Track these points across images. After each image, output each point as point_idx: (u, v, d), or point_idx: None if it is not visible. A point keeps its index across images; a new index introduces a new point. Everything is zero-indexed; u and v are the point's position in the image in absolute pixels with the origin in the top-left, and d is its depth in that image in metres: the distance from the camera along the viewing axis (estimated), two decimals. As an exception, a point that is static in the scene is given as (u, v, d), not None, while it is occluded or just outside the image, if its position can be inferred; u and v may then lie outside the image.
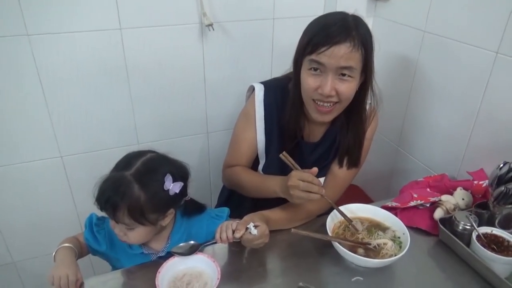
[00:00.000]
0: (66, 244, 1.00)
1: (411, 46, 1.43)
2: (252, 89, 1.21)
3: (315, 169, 0.99)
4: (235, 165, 1.25)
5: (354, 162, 1.18)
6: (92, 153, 1.50)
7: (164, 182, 0.93)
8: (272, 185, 1.09)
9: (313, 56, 0.99)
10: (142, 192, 0.91)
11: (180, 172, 0.99)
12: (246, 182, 1.19)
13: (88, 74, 1.35)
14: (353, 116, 1.13)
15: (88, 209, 1.56)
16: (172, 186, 0.94)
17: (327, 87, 1.00)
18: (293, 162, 1.03)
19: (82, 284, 0.94)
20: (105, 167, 0.98)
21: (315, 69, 1.01)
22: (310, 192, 0.97)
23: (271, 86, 1.19)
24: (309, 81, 1.02)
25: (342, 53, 0.96)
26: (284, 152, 1.03)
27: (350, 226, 1.05)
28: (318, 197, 0.98)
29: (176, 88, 1.50)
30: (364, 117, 1.14)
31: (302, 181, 0.97)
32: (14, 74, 1.26)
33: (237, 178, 1.21)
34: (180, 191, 0.96)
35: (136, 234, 0.95)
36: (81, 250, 1.04)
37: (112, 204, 0.90)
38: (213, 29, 1.40)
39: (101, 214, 1.00)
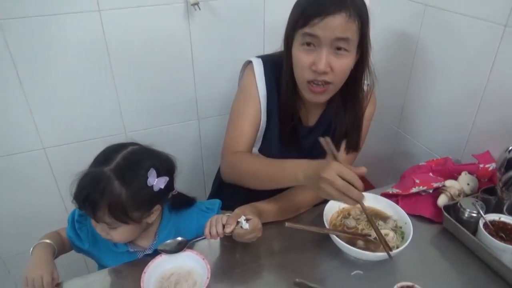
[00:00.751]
0: (45, 241, 0.94)
1: (412, 21, 1.34)
2: (247, 65, 1.12)
3: (363, 169, 0.83)
4: (238, 148, 1.09)
5: (354, 146, 1.11)
6: (76, 144, 1.43)
7: (147, 178, 0.86)
8: (294, 169, 0.91)
9: (306, 29, 0.90)
10: (123, 189, 0.84)
11: (165, 166, 0.92)
12: (256, 167, 1.01)
13: (66, 60, 1.27)
14: (350, 97, 1.05)
15: (76, 202, 1.50)
16: (157, 182, 0.87)
17: (322, 63, 0.91)
18: (334, 150, 0.88)
19: (59, 284, 0.88)
20: (91, 158, 0.91)
21: (308, 44, 0.92)
22: (346, 195, 0.81)
23: (269, 61, 1.09)
24: (302, 57, 0.94)
25: (338, 24, 0.88)
26: (327, 138, 0.90)
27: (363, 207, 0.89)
28: (352, 204, 0.83)
29: (163, 72, 1.42)
30: (362, 98, 1.07)
31: (342, 179, 0.81)
32: (-15, 62, 1.18)
33: (244, 164, 1.04)
34: (166, 186, 0.89)
35: (119, 233, 0.89)
36: (63, 245, 0.99)
37: (91, 203, 0.83)
38: (200, 9, 1.31)
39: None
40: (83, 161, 0.90)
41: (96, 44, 1.28)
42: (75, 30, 1.23)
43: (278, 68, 1.07)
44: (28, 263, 0.89)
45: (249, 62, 1.11)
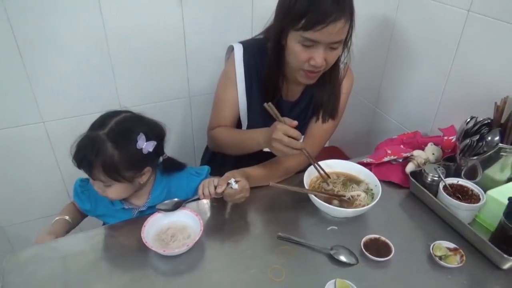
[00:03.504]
0: (62, 217, 1.09)
1: (389, 6, 1.44)
2: (231, 50, 1.22)
3: (295, 122, 1.01)
4: (218, 127, 1.26)
5: (331, 113, 1.21)
6: (74, 118, 1.51)
7: (137, 141, 0.96)
8: (256, 136, 1.10)
9: (308, 34, 0.98)
10: (115, 151, 0.94)
11: (155, 132, 1.01)
12: (230, 138, 1.20)
13: (66, 39, 1.34)
14: (328, 72, 1.15)
15: (73, 173, 1.58)
16: (145, 145, 0.97)
17: (320, 59, 1.02)
18: (277, 112, 1.03)
19: None
20: None
21: (307, 44, 1.01)
22: (292, 148, 0.99)
23: (250, 46, 1.19)
24: (300, 53, 1.03)
25: (337, 30, 0.97)
26: (269, 103, 1.04)
27: (326, 181, 1.11)
28: (298, 153, 1.01)
29: (157, 52, 1.50)
30: (338, 70, 1.17)
31: (287, 136, 0.98)
32: (-11, 38, 1.25)
33: (221, 137, 1.23)
34: (155, 150, 0.99)
35: (114, 190, 0.99)
36: (79, 213, 1.14)
37: (88, 162, 0.94)
38: (192, -9, 1.39)
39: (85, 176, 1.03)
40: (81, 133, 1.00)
41: (94, 25, 1.36)
42: (74, 9, 1.30)
43: (260, 50, 1.17)
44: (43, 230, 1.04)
45: (231, 48, 1.21)
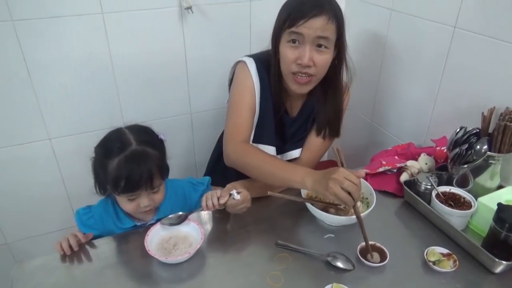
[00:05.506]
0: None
1: (380, 24, 1.51)
2: (240, 63, 1.23)
3: (363, 173, 1.03)
4: (241, 135, 1.19)
5: (335, 132, 1.27)
6: (80, 135, 1.55)
7: (157, 135, 1.09)
8: (303, 174, 1.03)
9: (293, 29, 1.06)
10: (154, 151, 1.03)
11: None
12: (266, 165, 1.11)
13: (72, 58, 1.41)
14: (330, 89, 1.21)
15: (78, 190, 1.63)
16: (163, 136, 1.11)
17: (306, 57, 1.08)
18: (342, 159, 1.03)
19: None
20: (93, 148, 1.06)
21: (294, 41, 1.08)
22: (350, 195, 0.93)
23: (259, 59, 1.22)
24: (288, 53, 1.10)
25: (319, 25, 1.05)
26: (338, 147, 1.06)
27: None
28: (350, 206, 0.96)
29: (159, 71, 1.56)
30: (341, 88, 1.23)
31: (348, 181, 0.93)
32: (-1, 58, 1.31)
33: (253, 159, 1.13)
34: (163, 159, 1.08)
35: (160, 192, 1.07)
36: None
37: (149, 176, 0.99)
38: (192, 12, 1.46)
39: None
40: (86, 151, 1.06)
41: (99, 44, 1.42)
42: (80, 31, 1.37)
43: (266, 65, 1.22)
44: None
45: (241, 61, 1.23)
